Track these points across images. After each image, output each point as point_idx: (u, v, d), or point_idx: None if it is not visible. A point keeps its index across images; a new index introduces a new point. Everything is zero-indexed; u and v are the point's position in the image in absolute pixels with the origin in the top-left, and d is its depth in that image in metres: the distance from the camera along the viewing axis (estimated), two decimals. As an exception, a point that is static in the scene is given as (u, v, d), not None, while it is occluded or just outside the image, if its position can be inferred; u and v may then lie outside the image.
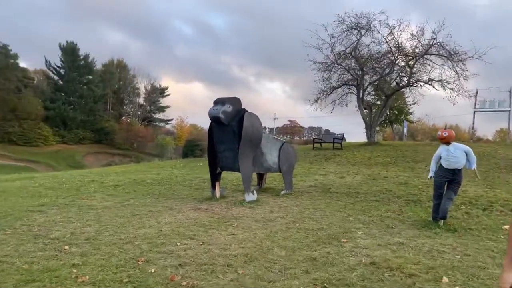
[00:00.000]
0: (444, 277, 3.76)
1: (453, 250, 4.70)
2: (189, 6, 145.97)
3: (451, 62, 19.09)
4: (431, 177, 6.43)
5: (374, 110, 23.47)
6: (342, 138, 20.56)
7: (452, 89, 19.51)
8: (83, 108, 59.67)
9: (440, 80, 19.71)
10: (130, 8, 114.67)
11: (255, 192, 8.00)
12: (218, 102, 7.55)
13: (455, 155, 5.95)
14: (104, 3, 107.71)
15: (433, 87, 20.14)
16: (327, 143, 20.33)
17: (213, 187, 8.20)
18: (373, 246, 4.78)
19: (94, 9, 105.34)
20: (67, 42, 60.21)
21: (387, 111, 27.77)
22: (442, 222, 5.97)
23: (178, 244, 4.73)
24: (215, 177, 8.15)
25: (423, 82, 20.37)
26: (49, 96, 58.46)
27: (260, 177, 9.63)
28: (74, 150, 56.73)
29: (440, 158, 6.21)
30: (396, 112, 33.44)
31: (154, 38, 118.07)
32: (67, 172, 16.69)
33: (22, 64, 60.06)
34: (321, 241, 4.98)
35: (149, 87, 71.54)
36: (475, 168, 6.14)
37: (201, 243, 4.79)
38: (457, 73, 19.11)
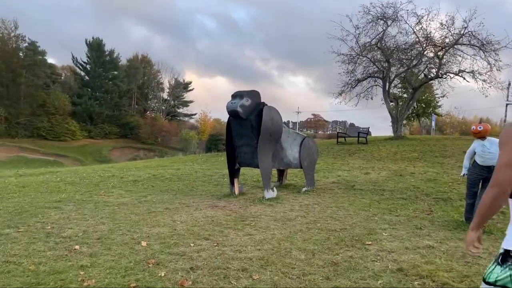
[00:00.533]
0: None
1: (489, 255, 4.29)
2: (212, 0, 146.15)
3: (484, 52, 18.19)
4: (464, 174, 5.99)
5: (400, 103, 22.75)
6: (367, 132, 20.02)
7: (484, 80, 18.64)
8: (108, 103, 60.61)
9: (472, 71, 18.84)
10: (153, 4, 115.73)
11: (275, 189, 7.71)
12: (236, 95, 7.28)
13: (491, 151, 5.49)
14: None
15: (464, 78, 19.30)
16: (352, 137, 19.82)
17: (232, 183, 7.95)
18: (400, 250, 4.42)
19: (119, 5, 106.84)
20: (93, 38, 61.32)
21: (414, 104, 26.88)
22: (476, 224, 5.53)
23: (192, 245, 4.50)
24: (233, 174, 7.90)
25: (453, 73, 19.54)
26: (76, 92, 59.70)
27: (281, 173, 9.33)
28: (100, 144, 57.83)
29: (474, 154, 5.77)
30: (424, 105, 32.45)
31: (178, 33, 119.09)
32: (90, 167, 16.84)
33: (49, 60, 61.84)
34: (343, 243, 4.65)
35: (173, 82, 72.09)
36: None
37: (215, 244, 4.54)
38: (489, 63, 18.22)
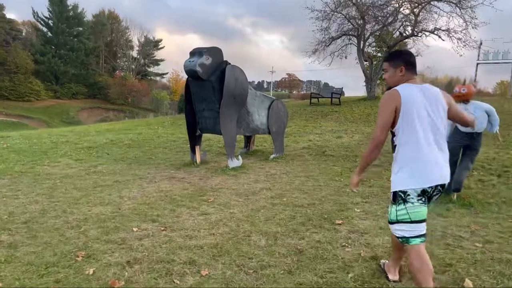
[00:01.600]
0: (467, 280, 2.90)
1: (472, 235, 3.84)
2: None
3: (460, 9, 17.65)
4: (444, 141, 5.49)
5: (375, 63, 22.16)
6: (340, 92, 19.49)
7: (459, 39, 18.21)
8: (74, 62, 57.44)
9: (447, 29, 18.34)
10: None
11: (240, 157, 7.08)
12: (195, 53, 6.44)
13: (475, 115, 4.96)
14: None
15: (439, 37, 18.80)
16: (325, 98, 19.26)
17: (193, 151, 7.25)
18: (374, 230, 3.91)
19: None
20: (54, -9, 57.08)
21: (389, 64, 26.31)
22: (455, 196, 5.08)
23: (135, 229, 3.85)
24: (194, 141, 7.19)
25: (428, 31, 18.98)
26: (38, 49, 56.09)
27: (248, 139, 8.68)
28: (67, 105, 55.29)
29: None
30: (398, 65, 31.99)
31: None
32: (46, 130, 15.71)
33: (8, 15, 57.51)
34: (310, 223, 4.10)
35: (143, 39, 68.78)
36: (498, 131, 5.17)
37: (163, 228, 3.90)
38: (465, 21, 17.75)
